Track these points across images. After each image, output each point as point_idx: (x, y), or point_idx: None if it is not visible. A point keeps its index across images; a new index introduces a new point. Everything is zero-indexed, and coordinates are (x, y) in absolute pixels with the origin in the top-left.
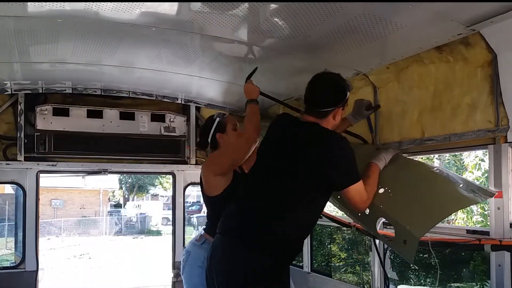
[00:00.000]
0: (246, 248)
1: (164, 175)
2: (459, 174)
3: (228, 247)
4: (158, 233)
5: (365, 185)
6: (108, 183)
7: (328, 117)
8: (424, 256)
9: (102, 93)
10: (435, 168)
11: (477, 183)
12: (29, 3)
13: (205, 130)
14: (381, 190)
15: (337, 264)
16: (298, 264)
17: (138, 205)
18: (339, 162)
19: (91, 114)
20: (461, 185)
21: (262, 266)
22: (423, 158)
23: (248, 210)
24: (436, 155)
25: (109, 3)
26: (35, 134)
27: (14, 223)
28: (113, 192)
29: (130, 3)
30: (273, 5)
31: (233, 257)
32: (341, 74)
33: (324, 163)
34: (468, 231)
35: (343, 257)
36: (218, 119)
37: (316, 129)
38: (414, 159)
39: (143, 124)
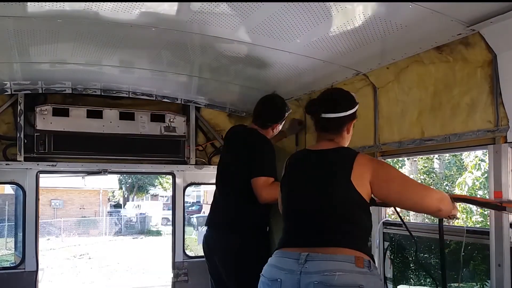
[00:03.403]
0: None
1: (164, 175)
2: (459, 174)
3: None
4: (158, 233)
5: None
6: (108, 183)
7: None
8: (425, 256)
9: (102, 93)
10: None
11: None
12: (29, 4)
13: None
14: None
15: None
16: None
17: (138, 205)
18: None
19: (91, 114)
20: None
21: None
22: (423, 158)
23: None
24: (436, 155)
25: (109, 3)
26: (35, 134)
27: (14, 223)
28: (113, 192)
29: (130, 3)
30: (273, 5)
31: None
32: (341, 74)
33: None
34: (468, 231)
35: None
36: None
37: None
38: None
39: (143, 124)
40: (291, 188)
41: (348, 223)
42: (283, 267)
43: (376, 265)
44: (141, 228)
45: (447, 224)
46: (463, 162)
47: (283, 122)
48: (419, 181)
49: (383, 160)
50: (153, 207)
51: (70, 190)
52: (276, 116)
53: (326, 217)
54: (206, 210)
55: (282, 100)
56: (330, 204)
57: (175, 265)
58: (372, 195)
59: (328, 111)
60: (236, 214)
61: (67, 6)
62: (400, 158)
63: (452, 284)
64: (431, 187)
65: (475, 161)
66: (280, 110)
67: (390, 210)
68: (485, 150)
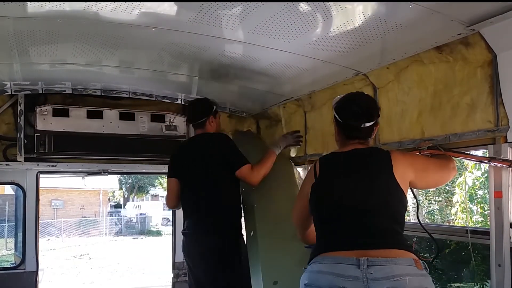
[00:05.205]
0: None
1: (164, 176)
2: (459, 174)
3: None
4: (158, 233)
5: (259, 164)
6: (108, 183)
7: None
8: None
9: (102, 94)
10: None
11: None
12: (29, 4)
13: None
14: None
15: None
16: None
17: (138, 206)
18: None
19: (91, 115)
20: None
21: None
22: None
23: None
24: None
25: (109, 3)
26: (35, 134)
27: (14, 223)
28: (113, 192)
29: (130, 3)
30: (273, 5)
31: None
32: (341, 74)
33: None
34: (468, 231)
35: None
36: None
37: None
38: None
39: (143, 125)
40: (331, 190)
41: (397, 223)
42: (344, 273)
43: None
44: (141, 229)
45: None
46: (463, 162)
47: (215, 110)
48: None
49: None
50: (153, 207)
51: (70, 191)
52: (205, 109)
53: (378, 217)
54: None
55: (204, 98)
56: (380, 203)
57: (175, 265)
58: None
59: (369, 121)
60: (216, 217)
61: (67, 6)
62: None
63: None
64: (439, 157)
65: None
66: (204, 102)
67: None
68: (485, 150)
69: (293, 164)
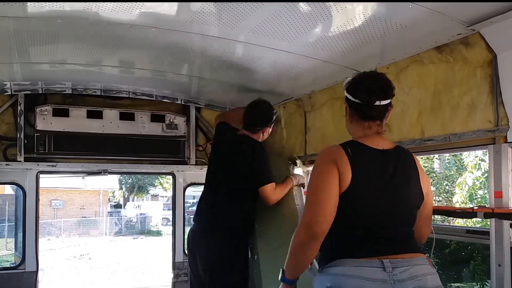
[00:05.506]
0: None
1: (164, 176)
2: (459, 174)
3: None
4: (158, 233)
5: (281, 186)
6: (108, 183)
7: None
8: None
9: (102, 94)
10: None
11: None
12: (29, 4)
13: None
14: None
15: None
16: None
17: (138, 206)
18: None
19: (91, 115)
20: None
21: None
22: (423, 158)
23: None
24: (436, 155)
25: (109, 3)
26: (35, 134)
27: (14, 223)
28: (113, 192)
29: (130, 3)
30: (273, 5)
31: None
32: (341, 74)
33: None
34: (468, 231)
35: None
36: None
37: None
38: None
39: (143, 125)
40: (369, 196)
41: (412, 227)
42: (372, 277)
43: None
44: (141, 228)
45: None
46: (463, 162)
47: (272, 125)
48: None
49: None
50: (153, 207)
51: (70, 191)
52: (265, 120)
53: (404, 224)
54: None
55: (269, 104)
56: (409, 211)
57: (175, 265)
58: None
59: (385, 98)
60: (224, 215)
61: (67, 6)
62: None
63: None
64: None
65: (475, 161)
66: (268, 114)
67: None
68: (485, 150)
69: (292, 168)
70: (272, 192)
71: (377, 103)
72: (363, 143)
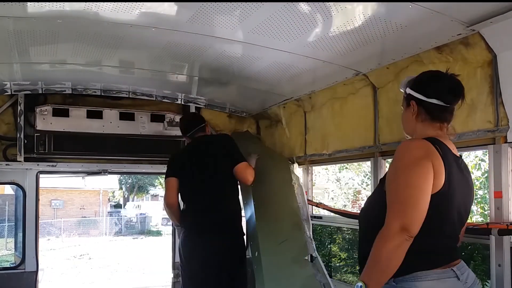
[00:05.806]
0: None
1: (164, 176)
2: None
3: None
4: (158, 233)
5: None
6: (108, 183)
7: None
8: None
9: (102, 94)
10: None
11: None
12: (29, 4)
13: None
14: None
15: (337, 264)
16: None
17: (138, 206)
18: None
19: (91, 115)
20: None
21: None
22: None
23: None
24: None
25: (109, 3)
26: (35, 134)
27: (14, 223)
28: (113, 192)
29: (130, 3)
30: (273, 5)
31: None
32: (341, 74)
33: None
34: (468, 231)
35: (343, 257)
36: None
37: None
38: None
39: (143, 125)
40: (455, 202)
41: None
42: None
43: None
44: (141, 228)
45: None
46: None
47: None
48: None
49: (383, 160)
50: (153, 207)
51: (70, 191)
52: (200, 117)
53: (460, 228)
54: None
55: (193, 113)
56: (467, 216)
57: (175, 265)
58: None
59: (461, 100)
60: (223, 210)
61: (67, 6)
62: None
63: None
64: None
65: (475, 161)
66: (196, 113)
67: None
68: (485, 150)
69: (292, 170)
70: (247, 169)
71: (455, 104)
72: (445, 143)
